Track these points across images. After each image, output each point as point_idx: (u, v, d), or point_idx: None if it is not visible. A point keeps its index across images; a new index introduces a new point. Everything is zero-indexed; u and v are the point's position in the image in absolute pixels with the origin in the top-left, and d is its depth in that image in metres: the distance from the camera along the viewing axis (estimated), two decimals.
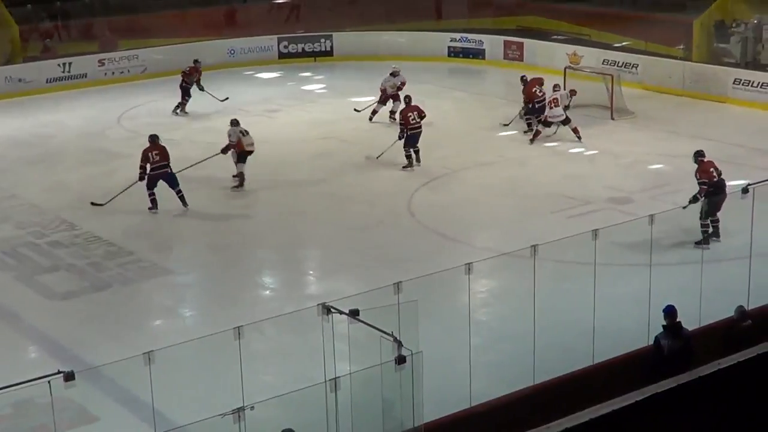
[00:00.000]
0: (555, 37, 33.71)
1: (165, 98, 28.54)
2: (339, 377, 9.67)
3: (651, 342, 12.04)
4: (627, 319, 13.71)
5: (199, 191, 21.44)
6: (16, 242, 18.74)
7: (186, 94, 28.16)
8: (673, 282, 14.48)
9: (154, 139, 20.91)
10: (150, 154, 20.51)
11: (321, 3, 39.28)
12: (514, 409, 11.27)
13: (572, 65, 29.15)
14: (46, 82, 32.70)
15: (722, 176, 17.38)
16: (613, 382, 10.97)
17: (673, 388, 10.20)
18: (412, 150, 22.49)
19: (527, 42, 33.19)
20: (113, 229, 19.23)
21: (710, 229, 17.01)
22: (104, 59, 33.65)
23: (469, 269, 11.72)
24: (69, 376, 9.59)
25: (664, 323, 11.88)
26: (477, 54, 33.87)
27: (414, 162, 22.42)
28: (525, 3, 37.31)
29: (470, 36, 34.79)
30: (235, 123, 21.92)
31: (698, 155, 17.54)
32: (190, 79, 28.15)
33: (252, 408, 9.06)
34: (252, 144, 21.66)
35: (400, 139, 22.47)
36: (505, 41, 33.35)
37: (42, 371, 9.98)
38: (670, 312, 11.90)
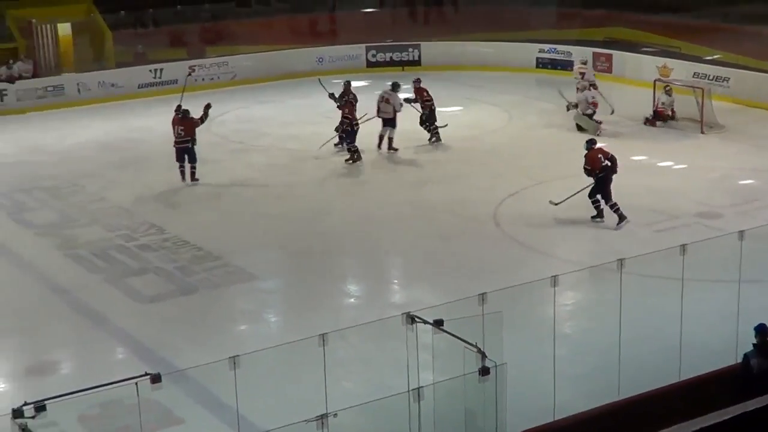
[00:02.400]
0: (644, 49, 33.35)
1: (253, 105, 28.82)
2: (422, 387, 9.65)
3: (739, 360, 11.81)
4: (715, 336, 13.49)
5: (285, 197, 21.62)
6: (106, 245, 19.04)
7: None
8: (763, 300, 14.22)
9: (183, 113, 22.57)
10: (176, 127, 22.41)
11: (412, 12, 39.42)
12: (598, 423, 11.14)
13: (662, 78, 28.80)
14: (138, 87, 33.21)
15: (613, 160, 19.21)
16: (699, 400, 10.80)
17: (762, 408, 10.00)
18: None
19: (616, 54, 32.87)
20: (201, 233, 19.43)
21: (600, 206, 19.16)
22: (194, 65, 34.02)
23: (554, 281, 11.63)
24: (156, 378, 9.68)
25: (755, 341, 11.64)
26: (565, 65, 33.63)
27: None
28: (614, 14, 36.96)
29: (559, 47, 34.57)
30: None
31: (589, 143, 19.57)
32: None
33: (335, 415, 9.07)
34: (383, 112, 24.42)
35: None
36: (593, 53, 33.07)
37: (129, 373, 10.10)
38: (761, 330, 11.64)
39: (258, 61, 35.21)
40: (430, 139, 25.36)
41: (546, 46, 34.86)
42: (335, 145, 24.85)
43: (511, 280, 14.08)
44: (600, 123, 26.04)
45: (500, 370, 9.87)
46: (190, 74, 27.22)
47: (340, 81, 34.00)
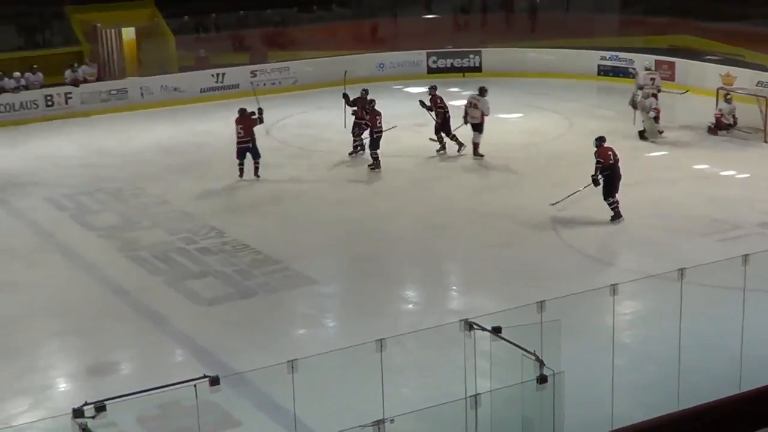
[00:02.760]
0: (708, 57, 33.01)
1: (314, 110, 28.95)
2: (479, 394, 9.62)
3: None
4: None
5: (345, 203, 21.68)
6: (167, 247, 19.21)
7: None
8: None
9: (241, 112, 23.34)
10: (237, 127, 23.24)
11: (472, 19, 39.38)
12: None
13: (725, 86, 28.50)
14: (200, 91, 33.49)
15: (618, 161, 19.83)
16: (761, 411, 10.66)
17: None
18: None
19: (679, 62, 32.57)
20: (260, 237, 19.55)
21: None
22: (256, 70, 34.28)
23: (614, 290, 11.56)
24: (214, 381, 9.74)
25: None
26: (627, 73, 33.40)
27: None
28: (678, 22, 36.65)
29: (621, 54, 34.33)
30: None
31: (599, 140, 20.14)
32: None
33: (392, 421, 9.07)
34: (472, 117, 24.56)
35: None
36: (656, 60, 32.79)
37: (188, 375, 10.18)
38: None
39: (319, 67, 35.35)
40: (438, 150, 25.28)
41: (608, 54, 34.65)
42: (353, 152, 24.99)
43: (570, 288, 14.00)
44: (662, 132, 25.86)
45: (558, 379, 9.82)
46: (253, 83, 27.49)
47: (400, 87, 34.29)
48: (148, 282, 17.57)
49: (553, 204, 19.89)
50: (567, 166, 23.02)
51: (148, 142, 28.04)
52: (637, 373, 13.25)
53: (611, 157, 19.96)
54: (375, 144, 23.98)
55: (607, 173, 19.89)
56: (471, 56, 36.13)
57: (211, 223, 20.52)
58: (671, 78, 32.17)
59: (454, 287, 17.72)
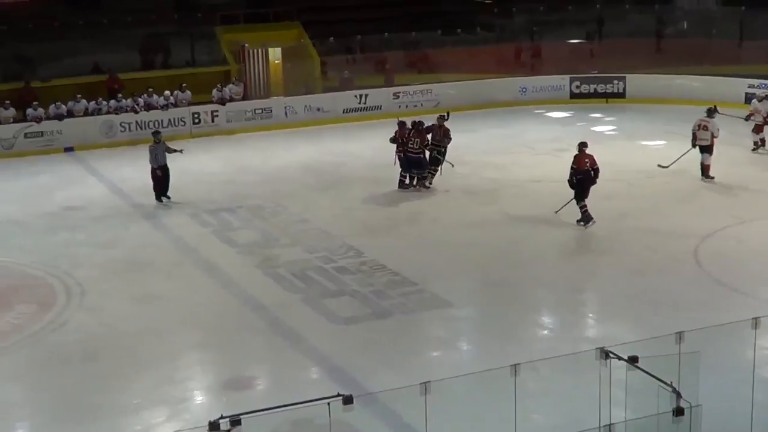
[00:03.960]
0: None
1: (455, 133, 28.84)
2: (614, 424, 9.48)
3: None
4: None
5: (483, 226, 21.60)
6: (306, 266, 19.41)
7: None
8: None
9: (417, 125, 24.30)
10: (414, 140, 24.09)
11: (616, 44, 38.92)
12: None
13: None
14: (342, 112, 33.85)
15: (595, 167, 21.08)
16: None
17: None
18: None
19: None
20: (398, 258, 19.60)
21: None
22: (399, 92, 34.49)
23: (756, 323, 11.25)
24: (348, 400, 9.76)
25: None
26: None
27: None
28: None
29: None
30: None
31: (581, 145, 21.44)
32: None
33: None
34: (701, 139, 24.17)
35: None
36: None
37: (322, 392, 10.25)
38: None
39: (461, 89, 35.41)
40: (420, 181, 24.90)
41: (756, 81, 33.81)
42: (427, 180, 24.84)
43: (710, 319, 13.72)
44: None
45: (695, 412, 9.60)
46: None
47: (542, 112, 34.10)
48: (286, 299, 17.78)
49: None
50: (709, 196, 22.54)
51: (290, 160, 28.44)
52: None
53: (587, 164, 21.11)
54: (416, 165, 24.42)
55: (580, 177, 21.13)
56: (615, 82, 35.70)
57: (350, 243, 20.67)
58: None
59: (590, 314, 17.48)
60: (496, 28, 41.48)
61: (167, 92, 32.25)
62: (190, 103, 32.63)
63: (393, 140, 24.90)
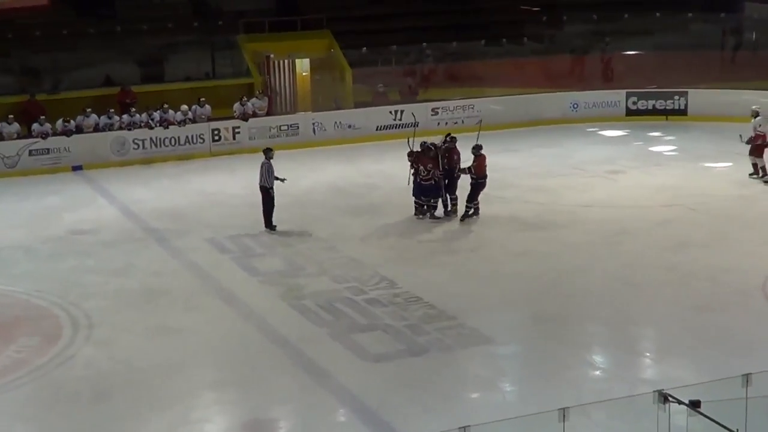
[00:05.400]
0: None
1: (499, 153, 28.92)
2: None
3: None
4: None
5: (528, 255, 21.57)
6: (333, 297, 19.42)
7: None
8: None
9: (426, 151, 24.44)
10: (426, 165, 24.28)
11: (677, 56, 38.76)
12: None
13: None
14: (376, 129, 33.86)
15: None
16: None
17: None
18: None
19: None
20: (435, 290, 19.59)
21: (471, 211, 24.20)
22: (438, 108, 34.49)
23: None
24: None
25: None
26: None
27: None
28: None
29: None
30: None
31: (477, 149, 24.37)
32: None
33: None
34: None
35: None
36: None
37: None
38: None
39: (506, 105, 35.42)
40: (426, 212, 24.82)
41: None
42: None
43: None
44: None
45: None
46: (416, 125, 27.28)
47: (595, 130, 34.05)
48: (312, 333, 17.79)
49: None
50: None
51: (318, 181, 28.52)
52: None
53: (485, 168, 24.12)
54: (426, 192, 24.51)
55: (481, 182, 24.12)
56: (676, 97, 35.59)
57: (382, 273, 20.68)
58: None
59: (648, 353, 17.38)
60: (545, 39, 41.45)
61: (185, 107, 32.40)
62: (210, 119, 32.77)
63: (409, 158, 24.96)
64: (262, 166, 24.10)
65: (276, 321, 18.42)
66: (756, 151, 27.05)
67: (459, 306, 18.73)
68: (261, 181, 24.04)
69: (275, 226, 23.93)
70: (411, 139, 24.98)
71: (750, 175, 27.04)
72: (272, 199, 23.94)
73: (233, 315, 18.88)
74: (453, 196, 24.64)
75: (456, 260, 21.63)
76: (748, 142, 26.87)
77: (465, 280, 20.41)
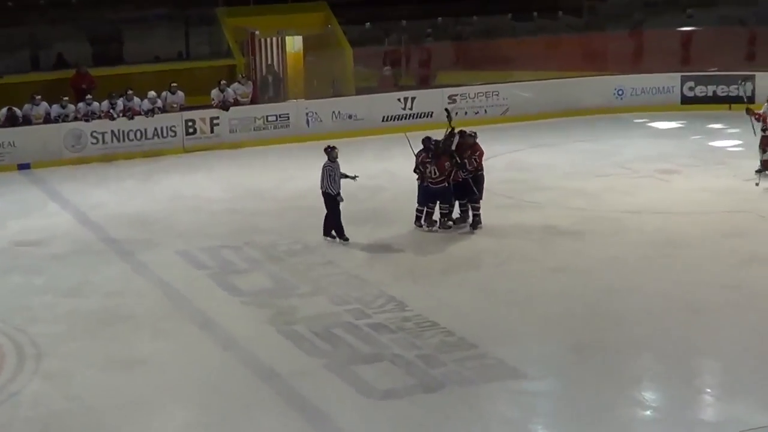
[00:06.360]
0: None
1: (530, 149, 28.96)
2: None
3: None
4: None
5: (565, 272, 21.55)
6: (331, 322, 19.37)
7: None
8: None
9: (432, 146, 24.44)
10: (431, 167, 24.30)
11: (742, 33, 38.74)
12: None
13: None
14: (381, 120, 33.92)
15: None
16: None
17: None
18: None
19: None
20: (453, 313, 19.56)
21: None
22: (455, 95, 34.47)
23: None
24: None
25: None
26: None
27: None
28: None
29: None
30: None
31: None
32: None
33: None
34: None
35: None
36: None
37: None
38: None
39: (538, 92, 35.47)
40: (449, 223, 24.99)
41: None
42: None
43: None
44: None
45: None
46: (448, 115, 26.33)
47: (644, 121, 34.03)
48: (306, 365, 17.74)
49: None
50: None
51: (313, 183, 28.38)
52: None
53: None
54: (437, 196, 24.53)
55: (482, 173, 24.33)
56: (740, 82, 35.51)
57: (390, 292, 20.66)
58: None
59: (709, 390, 17.31)
60: (584, 11, 41.50)
61: (153, 93, 32.45)
62: (183, 108, 32.82)
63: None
64: (323, 169, 23.94)
65: (262, 350, 18.38)
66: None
67: (482, 332, 18.69)
68: (322, 186, 23.92)
69: (347, 238, 23.88)
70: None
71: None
72: (338, 205, 23.84)
73: (210, 343, 18.84)
74: (462, 201, 24.57)
75: (478, 277, 21.60)
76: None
77: (489, 301, 20.38)
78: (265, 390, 17.00)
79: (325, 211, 23.86)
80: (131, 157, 31.41)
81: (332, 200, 23.86)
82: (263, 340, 18.80)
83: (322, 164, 23.70)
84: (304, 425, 15.90)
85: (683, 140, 32.12)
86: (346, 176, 24.08)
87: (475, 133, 24.82)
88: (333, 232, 23.95)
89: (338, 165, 23.97)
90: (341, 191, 23.79)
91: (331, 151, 24.12)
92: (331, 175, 23.80)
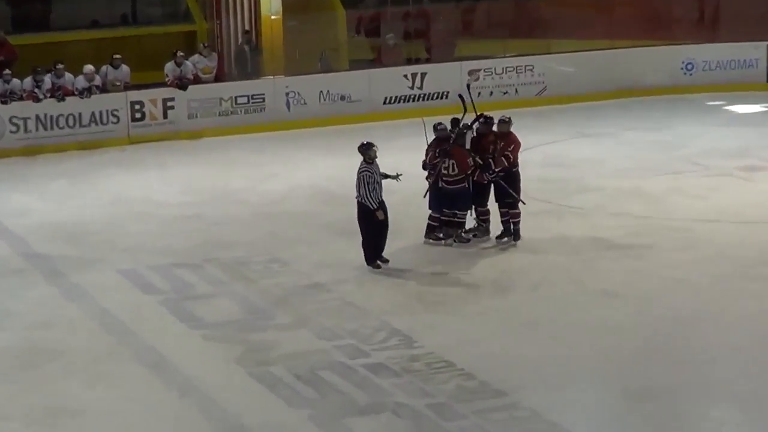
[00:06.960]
0: None
1: (571, 138, 28.98)
2: None
3: None
4: None
5: (622, 296, 21.55)
6: (317, 361, 19.36)
7: None
8: None
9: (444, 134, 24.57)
10: (447, 161, 24.44)
11: None
12: None
13: None
14: (383, 102, 33.93)
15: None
16: None
17: None
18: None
19: None
20: (473, 351, 19.54)
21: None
22: (476, 69, 34.44)
23: None
24: None
25: None
26: None
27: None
28: None
29: None
30: None
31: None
32: None
33: None
34: None
35: None
36: None
37: None
38: None
39: (582, 66, 35.50)
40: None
41: None
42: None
43: None
44: None
45: None
46: (463, 100, 25.74)
47: (720, 103, 34.05)
48: (284, 417, 17.72)
49: None
50: None
51: (294, 183, 28.56)
52: None
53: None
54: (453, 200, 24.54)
55: (516, 170, 24.50)
56: None
57: (393, 324, 20.69)
58: None
59: None
60: None
61: (90, 68, 32.43)
62: (128, 87, 32.80)
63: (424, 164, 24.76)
64: (357, 175, 23.44)
65: (229, 398, 18.36)
66: None
67: (510, 375, 18.68)
68: (358, 195, 23.45)
69: (387, 260, 23.69)
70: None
71: None
72: (375, 222, 23.38)
73: (162, 389, 18.83)
74: (482, 209, 24.51)
75: (506, 305, 21.58)
76: None
77: (519, 335, 20.39)
78: None
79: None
80: (62, 150, 31.41)
81: (368, 214, 23.38)
82: (230, 385, 18.78)
83: (357, 168, 23.21)
84: None
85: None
86: (387, 176, 23.72)
87: (510, 119, 24.66)
88: (383, 256, 23.59)
89: (377, 167, 23.48)
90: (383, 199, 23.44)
91: (367, 150, 23.58)
92: (369, 182, 23.20)
